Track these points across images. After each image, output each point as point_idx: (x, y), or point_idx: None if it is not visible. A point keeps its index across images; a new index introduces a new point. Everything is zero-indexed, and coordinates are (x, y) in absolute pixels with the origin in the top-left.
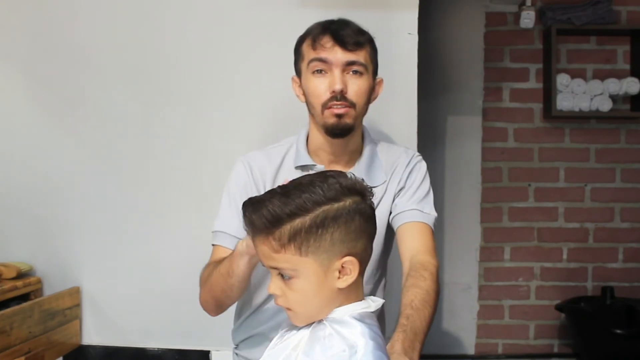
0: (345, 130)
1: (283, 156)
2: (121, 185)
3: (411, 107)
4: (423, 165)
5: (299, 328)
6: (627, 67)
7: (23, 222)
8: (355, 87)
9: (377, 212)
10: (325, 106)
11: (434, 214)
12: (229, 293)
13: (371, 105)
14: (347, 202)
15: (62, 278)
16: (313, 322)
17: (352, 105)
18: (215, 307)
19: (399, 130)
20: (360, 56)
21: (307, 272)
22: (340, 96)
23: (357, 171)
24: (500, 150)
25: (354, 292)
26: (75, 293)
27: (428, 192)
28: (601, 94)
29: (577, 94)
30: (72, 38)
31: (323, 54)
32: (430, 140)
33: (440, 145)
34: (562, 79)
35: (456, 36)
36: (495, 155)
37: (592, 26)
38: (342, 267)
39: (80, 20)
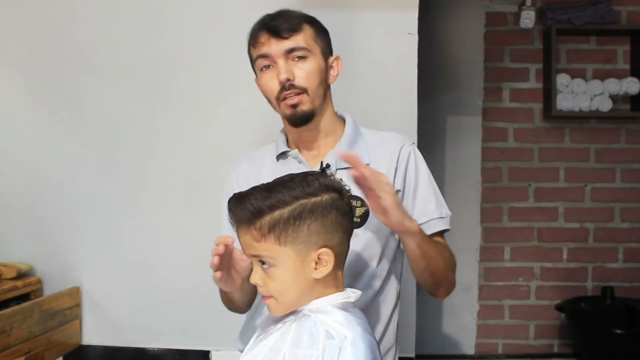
0: (304, 117)
1: (264, 155)
2: (121, 185)
3: (411, 107)
4: (419, 155)
5: (282, 322)
6: (627, 67)
7: (23, 222)
8: (303, 72)
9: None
10: (279, 99)
11: (437, 213)
12: (238, 309)
13: (371, 105)
14: (324, 197)
15: (62, 278)
16: (296, 315)
17: (303, 90)
18: (238, 312)
19: (399, 130)
20: (298, 40)
21: (285, 261)
22: (288, 85)
23: (335, 153)
24: (500, 150)
25: (333, 284)
26: (75, 293)
27: (430, 189)
28: (601, 94)
29: (577, 94)
30: (71, 38)
31: (262, 50)
32: (430, 140)
33: (440, 145)
34: (562, 79)
35: (456, 36)
36: (495, 155)
37: (592, 26)
38: (319, 258)
39: (80, 21)
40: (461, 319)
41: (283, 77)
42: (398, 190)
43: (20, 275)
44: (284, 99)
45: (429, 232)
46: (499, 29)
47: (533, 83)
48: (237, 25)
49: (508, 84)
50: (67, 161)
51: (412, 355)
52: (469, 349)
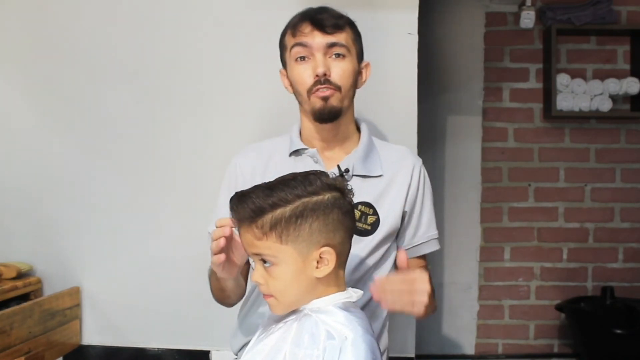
0: (333, 113)
1: (274, 148)
2: (121, 185)
3: (411, 107)
4: (427, 176)
5: (283, 321)
6: (627, 67)
7: (23, 222)
8: (339, 69)
9: (379, 208)
10: (310, 91)
11: (436, 234)
12: (228, 299)
13: (371, 105)
14: (326, 196)
15: (62, 278)
16: (297, 314)
17: (337, 88)
18: (225, 305)
19: (399, 130)
20: (340, 38)
21: (286, 259)
22: (324, 80)
23: (353, 159)
24: (500, 150)
25: (334, 283)
26: (75, 293)
27: (432, 211)
28: (601, 94)
29: (577, 94)
30: (72, 38)
31: (303, 39)
32: (430, 140)
33: (440, 145)
34: (562, 79)
35: (456, 36)
36: (495, 155)
37: (592, 26)
38: (320, 257)
39: (80, 21)
40: (461, 319)
41: (320, 70)
42: (405, 211)
43: (20, 275)
44: (316, 91)
45: (425, 250)
46: (499, 29)
47: (533, 83)
48: (239, 25)
49: (508, 84)
50: (67, 161)
51: (412, 355)
52: (469, 349)
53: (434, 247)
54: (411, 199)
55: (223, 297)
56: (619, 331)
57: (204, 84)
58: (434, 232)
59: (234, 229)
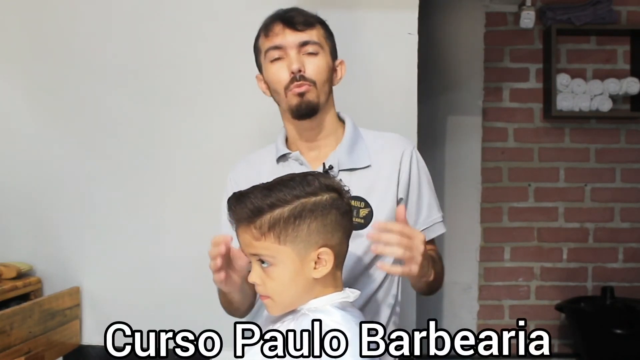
0: (310, 108)
1: (262, 158)
2: (121, 185)
3: (411, 107)
4: (420, 159)
5: (280, 321)
6: (627, 67)
7: (23, 222)
8: (313, 65)
9: (371, 199)
10: (287, 88)
11: (439, 217)
12: (238, 311)
13: (371, 105)
14: (325, 197)
15: (62, 278)
16: (294, 314)
17: (312, 83)
18: (236, 316)
19: (399, 130)
20: (312, 35)
21: (284, 260)
22: (299, 76)
23: (338, 154)
24: (500, 150)
25: (332, 284)
26: (75, 293)
27: (432, 194)
28: (601, 94)
29: (577, 94)
30: (72, 38)
31: (276, 41)
32: (430, 140)
33: (440, 145)
34: (562, 79)
35: (456, 36)
36: (495, 155)
37: (592, 26)
38: (318, 257)
39: (81, 21)
40: (461, 319)
41: (295, 67)
42: (401, 198)
43: (20, 275)
44: (292, 88)
45: (431, 236)
46: (499, 29)
47: (533, 83)
48: (238, 25)
49: (508, 84)
50: (67, 161)
51: None
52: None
53: (439, 230)
54: (404, 185)
55: (232, 310)
56: (619, 331)
57: (203, 84)
58: (436, 216)
59: (232, 236)
